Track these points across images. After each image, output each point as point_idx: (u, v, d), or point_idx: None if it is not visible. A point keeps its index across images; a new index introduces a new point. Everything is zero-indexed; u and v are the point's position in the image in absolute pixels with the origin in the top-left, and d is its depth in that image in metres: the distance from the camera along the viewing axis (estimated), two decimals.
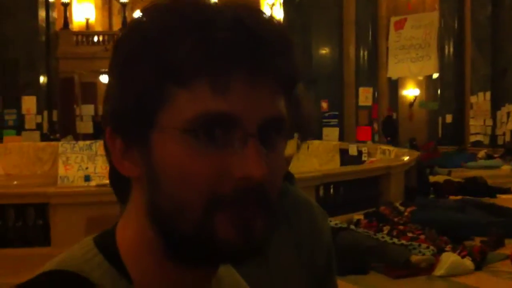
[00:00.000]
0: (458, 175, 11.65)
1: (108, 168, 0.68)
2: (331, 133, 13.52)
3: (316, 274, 1.41)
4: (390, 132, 16.65)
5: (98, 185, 6.55)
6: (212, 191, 0.58)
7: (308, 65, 18.44)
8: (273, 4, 22.13)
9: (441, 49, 17.64)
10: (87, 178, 10.83)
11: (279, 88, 0.61)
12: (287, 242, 1.39)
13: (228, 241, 0.58)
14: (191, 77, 0.58)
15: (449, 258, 5.61)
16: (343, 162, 12.23)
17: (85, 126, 16.96)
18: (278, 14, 20.48)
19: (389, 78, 19.26)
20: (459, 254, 5.77)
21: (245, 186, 0.58)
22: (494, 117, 17.02)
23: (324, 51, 19.64)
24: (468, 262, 5.66)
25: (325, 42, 19.63)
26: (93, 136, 15.16)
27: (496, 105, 17.05)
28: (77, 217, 5.60)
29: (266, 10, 16.55)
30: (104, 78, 21.61)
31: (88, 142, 12.09)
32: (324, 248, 1.46)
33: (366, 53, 19.40)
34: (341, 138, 15.32)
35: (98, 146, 11.07)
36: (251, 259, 0.61)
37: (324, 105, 16.85)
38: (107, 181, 0.71)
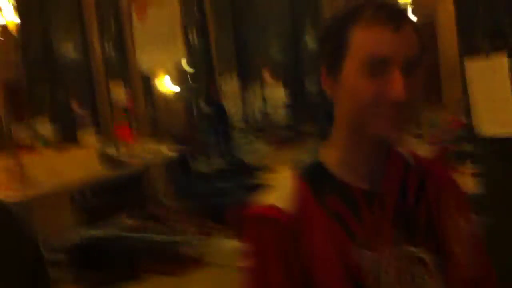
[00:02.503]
0: (221, 160, 12.06)
1: None
2: (87, 136, 12.92)
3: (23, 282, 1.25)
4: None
5: None
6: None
7: (50, 62, 17.23)
8: None
9: (186, 35, 17.88)
10: None
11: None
12: None
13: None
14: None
15: (218, 242, 5.67)
16: (103, 166, 11.73)
17: None
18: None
19: (141, 71, 19.07)
20: (226, 236, 5.87)
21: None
22: (244, 97, 17.88)
23: (68, 44, 18.47)
24: (237, 243, 5.78)
25: (67, 35, 18.49)
26: None
27: (244, 84, 17.89)
28: None
29: None
30: None
31: None
32: (30, 252, 1.29)
33: (111, 44, 18.73)
34: (101, 140, 14.72)
35: None
36: None
37: (75, 105, 15.97)
38: None
